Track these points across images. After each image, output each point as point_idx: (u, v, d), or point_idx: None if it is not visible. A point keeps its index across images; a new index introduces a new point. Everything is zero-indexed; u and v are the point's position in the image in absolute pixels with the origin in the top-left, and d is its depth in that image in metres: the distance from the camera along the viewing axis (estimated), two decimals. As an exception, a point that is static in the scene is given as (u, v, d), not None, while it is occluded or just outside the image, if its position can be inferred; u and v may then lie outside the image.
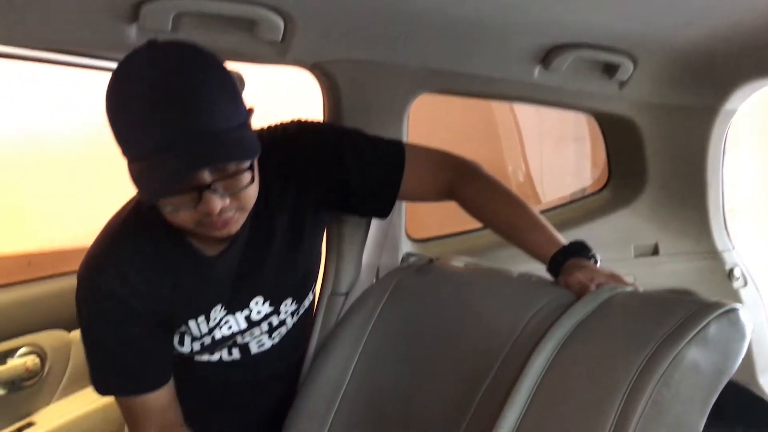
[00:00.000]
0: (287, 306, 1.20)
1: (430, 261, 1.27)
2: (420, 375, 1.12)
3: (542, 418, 0.87)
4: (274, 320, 1.19)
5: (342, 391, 1.21)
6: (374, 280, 1.39)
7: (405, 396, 1.13)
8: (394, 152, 1.19)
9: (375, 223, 1.36)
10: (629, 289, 0.98)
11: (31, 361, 1.51)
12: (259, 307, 1.16)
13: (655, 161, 1.78)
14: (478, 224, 1.85)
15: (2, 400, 1.49)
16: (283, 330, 1.23)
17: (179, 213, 0.89)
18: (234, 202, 0.92)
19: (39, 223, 2.00)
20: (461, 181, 1.21)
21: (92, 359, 1.08)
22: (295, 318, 1.24)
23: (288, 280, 1.19)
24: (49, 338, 1.56)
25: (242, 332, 1.17)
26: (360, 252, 1.38)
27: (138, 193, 0.90)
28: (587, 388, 0.85)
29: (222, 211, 0.90)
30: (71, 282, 1.62)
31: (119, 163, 0.86)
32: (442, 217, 2.04)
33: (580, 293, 0.99)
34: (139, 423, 1.09)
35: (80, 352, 1.65)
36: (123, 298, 1.02)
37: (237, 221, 0.95)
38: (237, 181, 0.90)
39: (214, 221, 0.91)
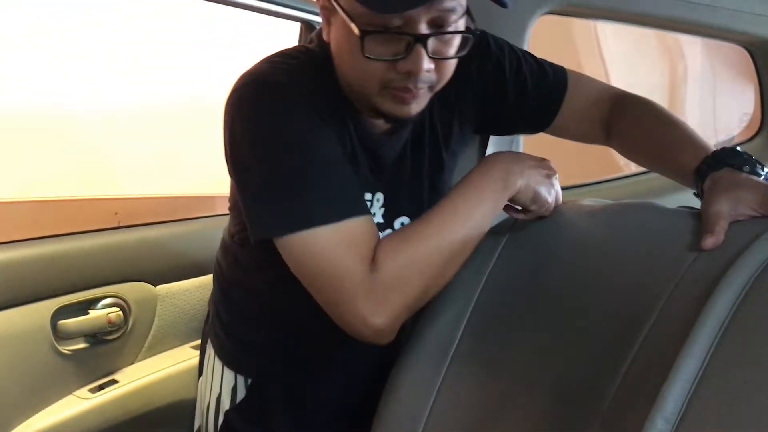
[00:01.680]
0: None
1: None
2: (550, 332, 0.92)
3: (722, 394, 0.64)
4: None
5: (453, 349, 1.03)
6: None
7: (531, 356, 0.93)
8: (558, 71, 1.07)
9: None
10: None
11: (114, 313, 1.41)
12: None
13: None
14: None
15: (84, 354, 1.40)
16: None
17: (373, 63, 0.79)
18: (434, 71, 0.82)
19: (126, 175, 1.94)
20: (615, 116, 1.04)
21: (267, 189, 0.84)
22: None
23: (430, 205, 0.98)
24: (132, 290, 1.47)
25: None
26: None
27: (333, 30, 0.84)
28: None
29: (421, 78, 0.80)
30: (157, 233, 1.55)
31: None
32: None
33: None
34: (340, 262, 0.83)
35: (166, 308, 1.57)
36: (308, 109, 0.84)
37: (422, 100, 0.85)
38: (448, 45, 0.82)
39: (407, 86, 0.82)
